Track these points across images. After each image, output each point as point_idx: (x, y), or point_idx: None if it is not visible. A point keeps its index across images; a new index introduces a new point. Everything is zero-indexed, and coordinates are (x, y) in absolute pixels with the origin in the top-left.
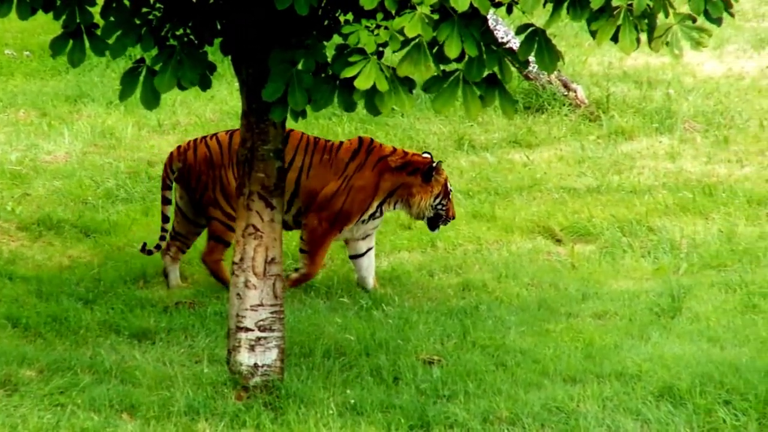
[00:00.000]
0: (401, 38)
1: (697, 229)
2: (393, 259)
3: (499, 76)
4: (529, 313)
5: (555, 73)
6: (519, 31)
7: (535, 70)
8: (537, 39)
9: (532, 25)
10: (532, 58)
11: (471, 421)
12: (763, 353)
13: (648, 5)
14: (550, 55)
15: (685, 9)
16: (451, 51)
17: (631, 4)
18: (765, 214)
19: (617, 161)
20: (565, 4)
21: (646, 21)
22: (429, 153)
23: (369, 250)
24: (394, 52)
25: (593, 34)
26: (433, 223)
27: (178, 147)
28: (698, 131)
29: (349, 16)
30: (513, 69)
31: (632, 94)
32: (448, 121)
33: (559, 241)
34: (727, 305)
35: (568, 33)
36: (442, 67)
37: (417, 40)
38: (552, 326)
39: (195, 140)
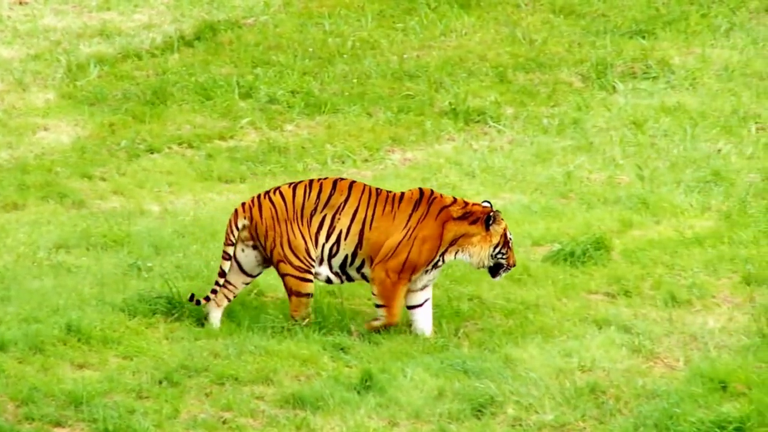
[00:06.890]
0: None
1: None
2: None
3: None
4: None
5: None
6: None
7: None
8: None
9: None
10: None
11: None
12: None
13: None
14: None
15: None
16: None
17: None
18: None
19: None
20: None
21: None
22: (489, 202)
23: (426, 300)
24: None
25: None
26: (494, 271)
27: (243, 204)
28: None
29: None
30: None
31: None
32: None
33: None
34: None
35: None
36: None
37: None
38: None
39: (259, 196)
